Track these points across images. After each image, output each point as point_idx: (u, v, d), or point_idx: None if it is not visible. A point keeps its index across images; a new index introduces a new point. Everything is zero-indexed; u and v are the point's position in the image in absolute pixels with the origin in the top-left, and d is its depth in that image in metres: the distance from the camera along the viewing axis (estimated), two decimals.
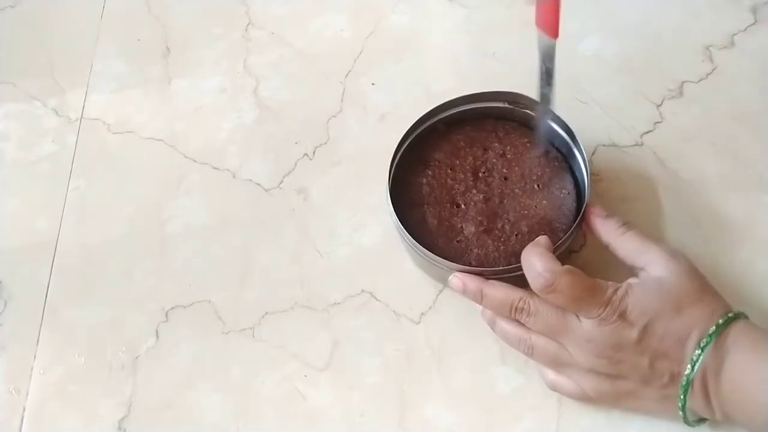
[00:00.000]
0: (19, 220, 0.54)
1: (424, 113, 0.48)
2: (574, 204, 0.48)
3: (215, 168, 0.55)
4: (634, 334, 0.38)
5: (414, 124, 0.48)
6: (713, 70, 0.56)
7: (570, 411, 0.44)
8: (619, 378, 0.40)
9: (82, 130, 0.58)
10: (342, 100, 0.57)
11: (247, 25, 0.62)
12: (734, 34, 0.57)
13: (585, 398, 0.42)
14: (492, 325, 0.44)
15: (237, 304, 0.49)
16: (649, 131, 0.53)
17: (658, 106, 0.54)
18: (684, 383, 0.38)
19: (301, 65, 0.60)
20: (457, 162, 0.49)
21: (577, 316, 0.40)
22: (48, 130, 0.58)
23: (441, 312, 0.48)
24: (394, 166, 0.47)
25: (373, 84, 0.58)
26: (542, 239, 0.43)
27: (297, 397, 0.46)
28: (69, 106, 0.59)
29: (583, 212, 0.45)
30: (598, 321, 0.39)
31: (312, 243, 0.51)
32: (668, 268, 0.41)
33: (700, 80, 0.55)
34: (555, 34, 0.38)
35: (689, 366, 0.38)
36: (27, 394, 0.47)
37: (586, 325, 0.39)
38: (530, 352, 0.42)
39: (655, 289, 0.40)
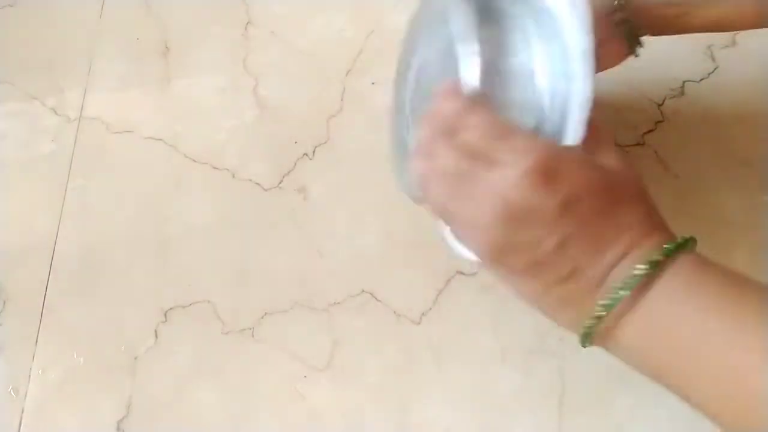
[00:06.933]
0: (18, 220, 0.54)
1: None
2: None
3: (215, 168, 0.55)
4: (554, 203, 0.30)
5: None
6: (715, 69, 0.55)
7: (570, 411, 0.44)
8: (511, 254, 0.31)
9: (81, 130, 0.58)
10: (342, 100, 0.57)
11: (247, 24, 0.62)
12: (736, 34, 0.57)
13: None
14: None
15: (237, 304, 0.49)
16: (651, 130, 0.53)
17: (660, 105, 0.54)
18: (599, 314, 0.31)
19: (301, 64, 0.59)
20: None
21: (488, 166, 0.31)
22: (47, 129, 0.58)
23: (441, 312, 0.48)
24: None
25: (373, 83, 0.58)
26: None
27: (297, 397, 0.46)
28: (68, 105, 0.59)
29: None
30: (517, 175, 0.30)
31: (312, 243, 0.51)
32: (619, 159, 0.34)
33: (701, 79, 0.55)
34: None
35: (609, 299, 0.30)
36: (26, 395, 0.47)
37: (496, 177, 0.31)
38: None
39: (598, 169, 0.32)
